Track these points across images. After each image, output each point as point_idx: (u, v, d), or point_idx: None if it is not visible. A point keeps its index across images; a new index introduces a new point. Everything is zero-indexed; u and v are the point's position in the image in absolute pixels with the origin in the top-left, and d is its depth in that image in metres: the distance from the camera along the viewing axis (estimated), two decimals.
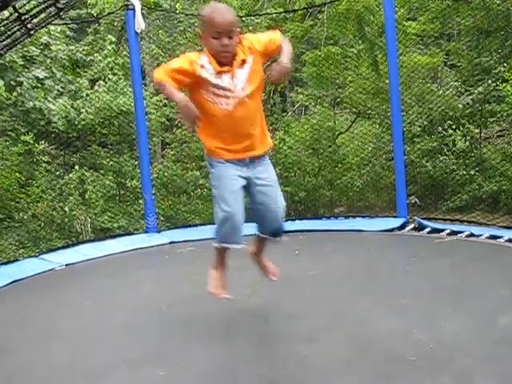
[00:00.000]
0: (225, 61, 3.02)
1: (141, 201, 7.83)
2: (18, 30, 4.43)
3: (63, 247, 6.53)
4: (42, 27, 5.14)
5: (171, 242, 6.10)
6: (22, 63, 7.37)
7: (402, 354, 2.80)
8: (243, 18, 9.63)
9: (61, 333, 3.57)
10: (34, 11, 4.21)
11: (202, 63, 3.02)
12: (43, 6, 4.28)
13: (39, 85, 7.42)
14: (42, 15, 4.47)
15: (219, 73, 3.02)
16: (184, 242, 5.99)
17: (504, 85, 8.68)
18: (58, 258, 5.68)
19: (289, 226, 6.39)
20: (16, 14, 4.11)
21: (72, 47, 9.54)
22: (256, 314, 3.51)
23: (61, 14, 4.58)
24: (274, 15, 10.00)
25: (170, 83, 2.99)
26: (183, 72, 3.02)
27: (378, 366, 2.71)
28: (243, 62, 3.05)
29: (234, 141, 3.11)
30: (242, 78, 3.06)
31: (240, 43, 3.06)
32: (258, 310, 3.49)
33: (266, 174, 3.21)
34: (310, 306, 3.61)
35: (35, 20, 4.41)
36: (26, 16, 4.16)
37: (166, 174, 9.38)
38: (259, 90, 3.18)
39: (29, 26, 4.36)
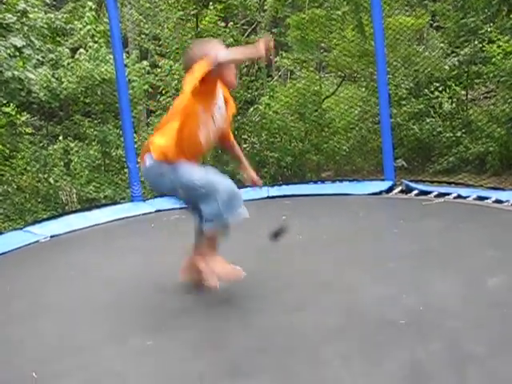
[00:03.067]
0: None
1: (126, 170, 7.74)
2: None
3: (48, 218, 6.44)
4: None
5: (157, 211, 6.04)
6: None
7: (391, 318, 2.79)
8: None
9: (47, 307, 3.51)
10: None
11: None
12: None
13: (17, 53, 7.22)
14: None
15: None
16: (169, 210, 5.91)
17: (490, 46, 8.60)
18: (43, 230, 5.59)
19: (276, 191, 6.42)
20: None
21: (51, 15, 9.30)
22: (243, 283, 3.47)
23: None
24: None
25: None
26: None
27: (367, 332, 2.70)
28: (227, 100, 3.33)
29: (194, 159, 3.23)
30: (223, 112, 3.29)
31: None
32: (245, 278, 3.45)
33: None
34: (297, 273, 3.58)
35: None
36: None
37: None
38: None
39: None
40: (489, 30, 8.69)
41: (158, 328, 2.99)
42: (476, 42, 8.89)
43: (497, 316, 2.75)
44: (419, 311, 2.85)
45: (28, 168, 8.77)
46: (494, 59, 8.54)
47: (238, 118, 8.90)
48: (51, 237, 5.36)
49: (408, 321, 2.73)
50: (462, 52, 9.09)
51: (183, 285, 3.53)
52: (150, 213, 6.02)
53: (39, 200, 8.42)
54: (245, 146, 9.28)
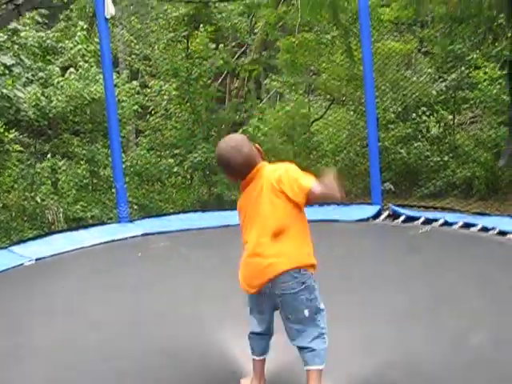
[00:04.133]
0: None
1: (114, 190, 7.72)
2: None
3: (34, 238, 6.36)
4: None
5: (144, 234, 5.96)
6: None
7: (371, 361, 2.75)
8: (216, 4, 9.53)
9: (26, 347, 3.35)
10: None
11: None
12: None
13: (7, 72, 7.20)
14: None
15: None
16: (156, 233, 5.85)
17: (477, 72, 8.73)
18: (28, 251, 5.51)
19: None
20: None
21: (42, 34, 9.32)
22: (226, 325, 3.29)
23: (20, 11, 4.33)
24: (247, 1, 9.89)
25: None
26: None
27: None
28: None
29: None
30: None
31: None
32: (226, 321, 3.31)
33: None
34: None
35: None
36: None
37: (139, 162, 9.28)
38: None
39: None
40: (475, 56, 8.84)
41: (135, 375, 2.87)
42: (463, 68, 9.02)
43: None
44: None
45: (15, 186, 8.71)
46: (480, 85, 8.67)
47: None
48: (36, 260, 5.26)
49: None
50: (449, 77, 9.21)
51: (171, 333, 3.34)
52: (137, 236, 5.93)
53: (25, 219, 8.35)
54: None
